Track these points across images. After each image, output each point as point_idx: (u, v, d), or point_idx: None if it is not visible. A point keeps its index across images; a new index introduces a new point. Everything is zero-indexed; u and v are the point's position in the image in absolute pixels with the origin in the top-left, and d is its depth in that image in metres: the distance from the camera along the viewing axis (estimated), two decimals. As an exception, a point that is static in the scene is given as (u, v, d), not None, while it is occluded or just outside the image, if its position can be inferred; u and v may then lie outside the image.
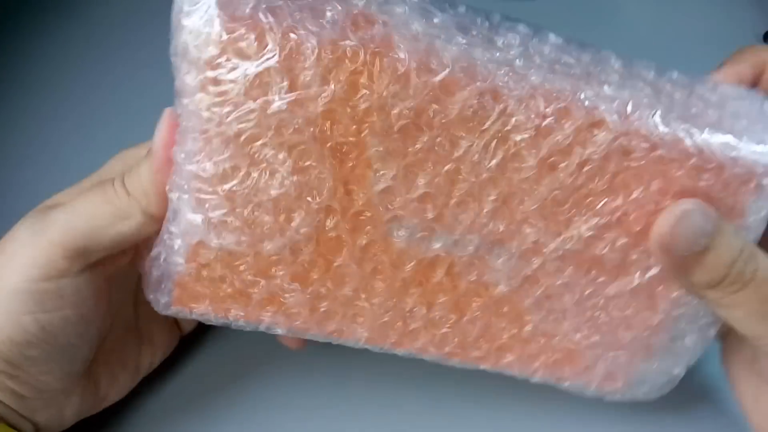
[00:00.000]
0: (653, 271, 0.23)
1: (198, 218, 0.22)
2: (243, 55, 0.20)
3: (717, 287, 0.21)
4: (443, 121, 0.21)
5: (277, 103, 0.20)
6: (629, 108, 0.21)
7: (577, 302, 0.24)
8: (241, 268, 0.23)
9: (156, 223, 0.23)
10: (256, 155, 0.21)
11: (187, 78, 0.20)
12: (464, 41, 0.21)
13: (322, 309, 0.24)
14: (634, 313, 0.24)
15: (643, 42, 0.43)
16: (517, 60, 0.21)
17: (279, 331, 0.24)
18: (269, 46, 0.19)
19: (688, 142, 0.21)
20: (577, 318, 0.24)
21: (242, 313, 0.24)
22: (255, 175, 0.21)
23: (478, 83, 0.20)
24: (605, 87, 0.22)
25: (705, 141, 0.21)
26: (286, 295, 0.23)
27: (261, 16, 0.19)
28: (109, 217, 0.22)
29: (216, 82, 0.20)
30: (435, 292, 0.24)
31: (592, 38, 0.43)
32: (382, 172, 0.21)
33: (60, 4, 0.44)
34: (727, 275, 0.21)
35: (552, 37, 0.23)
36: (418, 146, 0.21)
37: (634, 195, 0.22)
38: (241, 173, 0.21)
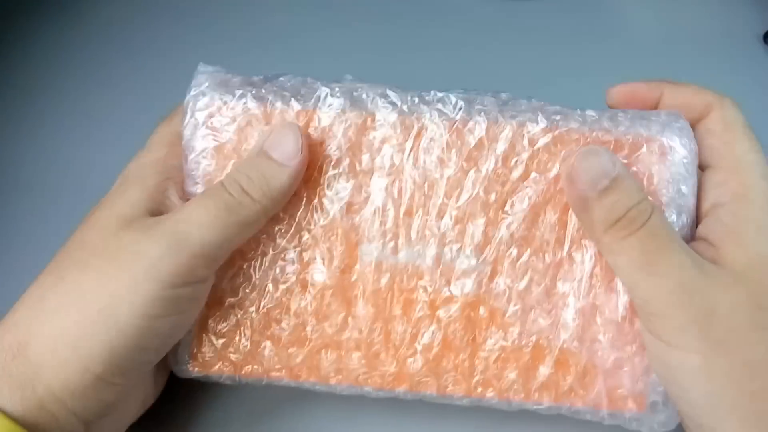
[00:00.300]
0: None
1: None
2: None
3: (610, 229, 0.22)
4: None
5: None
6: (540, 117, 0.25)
7: (546, 291, 0.25)
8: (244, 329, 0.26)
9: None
10: None
11: None
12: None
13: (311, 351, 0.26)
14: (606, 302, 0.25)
15: (642, 42, 0.43)
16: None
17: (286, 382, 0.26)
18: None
19: (586, 127, 0.25)
20: (552, 310, 0.25)
21: (257, 368, 0.26)
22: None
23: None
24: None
25: (607, 124, 0.25)
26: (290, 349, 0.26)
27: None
28: (237, 225, 0.23)
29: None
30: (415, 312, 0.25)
31: (591, 38, 0.43)
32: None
33: (59, 5, 0.44)
34: (621, 218, 0.22)
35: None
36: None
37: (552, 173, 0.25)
38: None
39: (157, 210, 0.24)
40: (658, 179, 0.24)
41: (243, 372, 0.26)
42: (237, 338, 0.26)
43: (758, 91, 0.40)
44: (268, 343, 0.26)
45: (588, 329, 0.25)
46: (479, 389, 0.25)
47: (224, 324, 0.26)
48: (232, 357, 0.26)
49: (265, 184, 0.23)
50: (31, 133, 0.38)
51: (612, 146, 0.25)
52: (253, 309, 0.26)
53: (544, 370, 0.25)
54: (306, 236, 0.25)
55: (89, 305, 0.22)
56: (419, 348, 0.25)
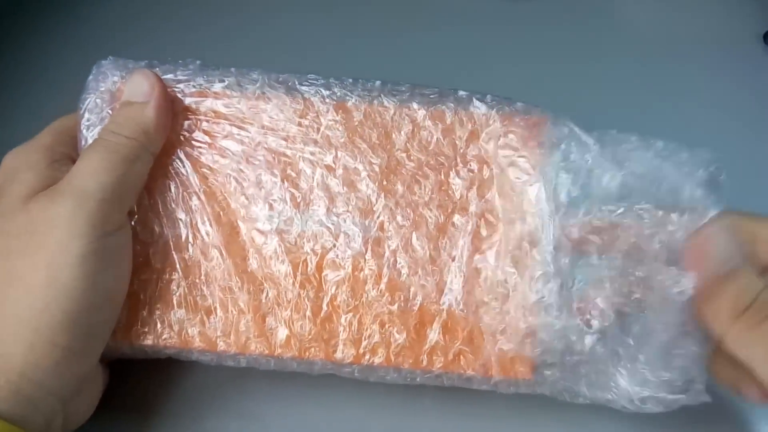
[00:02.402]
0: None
1: None
2: None
3: (740, 318, 0.21)
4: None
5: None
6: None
7: (430, 255, 0.26)
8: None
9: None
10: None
11: None
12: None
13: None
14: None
15: (642, 42, 0.43)
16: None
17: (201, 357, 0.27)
18: None
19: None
20: (437, 274, 0.26)
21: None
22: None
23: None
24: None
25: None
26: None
27: None
28: (123, 161, 0.24)
29: None
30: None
31: (591, 38, 0.43)
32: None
33: (60, 5, 0.44)
34: (750, 305, 0.21)
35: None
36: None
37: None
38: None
39: (55, 182, 0.25)
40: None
41: (138, 341, 0.26)
42: (135, 302, 0.26)
43: (758, 91, 0.40)
44: (160, 308, 0.26)
45: (472, 293, 0.25)
46: (368, 356, 0.26)
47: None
48: (133, 327, 0.26)
49: (133, 123, 0.25)
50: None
51: (484, 117, 0.26)
52: (152, 275, 0.26)
53: (431, 334, 0.26)
54: (195, 201, 0.26)
55: (31, 285, 0.22)
56: (307, 312, 0.26)
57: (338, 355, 0.26)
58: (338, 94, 0.27)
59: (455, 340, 0.25)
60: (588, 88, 0.39)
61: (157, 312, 0.26)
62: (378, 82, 0.27)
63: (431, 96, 0.27)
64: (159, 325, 0.26)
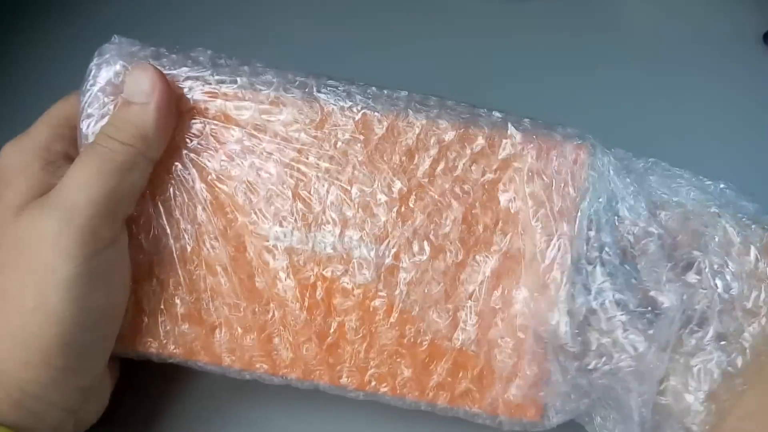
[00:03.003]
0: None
1: None
2: None
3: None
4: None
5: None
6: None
7: (446, 290, 0.25)
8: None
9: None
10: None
11: None
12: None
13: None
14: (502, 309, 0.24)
15: (642, 42, 0.43)
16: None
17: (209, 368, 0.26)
18: None
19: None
20: (451, 310, 0.25)
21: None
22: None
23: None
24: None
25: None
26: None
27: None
28: (116, 172, 0.23)
29: None
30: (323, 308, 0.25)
31: (591, 38, 0.43)
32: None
33: (60, 4, 0.44)
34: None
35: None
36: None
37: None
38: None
39: (48, 191, 0.23)
40: (564, 185, 0.24)
41: (142, 349, 0.26)
42: (140, 312, 0.25)
43: (758, 91, 0.40)
44: (165, 320, 0.25)
45: (486, 333, 0.24)
46: (373, 383, 0.25)
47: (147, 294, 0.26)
48: (138, 335, 0.26)
49: (131, 127, 0.23)
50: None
51: (519, 146, 0.24)
52: (156, 286, 0.25)
53: (439, 370, 0.25)
54: (201, 214, 0.25)
55: (21, 306, 0.22)
56: (313, 336, 0.25)
57: (343, 381, 0.25)
58: (359, 104, 0.25)
59: (464, 378, 0.25)
60: (588, 88, 0.39)
61: (162, 323, 0.25)
62: (404, 93, 0.25)
63: (462, 115, 0.25)
64: (163, 337, 0.26)
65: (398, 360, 0.25)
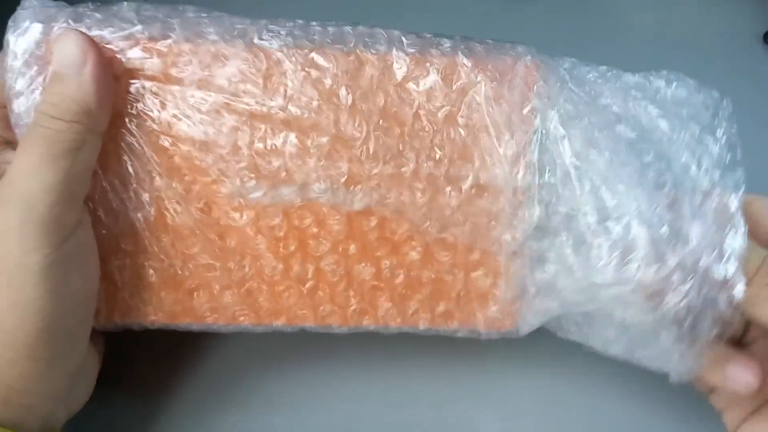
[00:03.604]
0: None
1: None
2: None
3: (752, 281, 0.23)
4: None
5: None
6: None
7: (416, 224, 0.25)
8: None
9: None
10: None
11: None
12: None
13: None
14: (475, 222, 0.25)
15: (642, 42, 0.43)
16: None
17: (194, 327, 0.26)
18: None
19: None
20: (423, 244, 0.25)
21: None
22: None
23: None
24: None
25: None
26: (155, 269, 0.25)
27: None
28: (66, 153, 0.21)
29: None
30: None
31: (591, 38, 0.43)
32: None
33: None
34: (760, 269, 0.23)
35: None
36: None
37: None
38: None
39: None
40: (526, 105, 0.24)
41: (122, 321, 0.26)
42: (113, 286, 0.25)
43: (758, 91, 0.40)
44: (140, 290, 0.25)
45: (460, 260, 0.25)
46: (355, 318, 0.26)
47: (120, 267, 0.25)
48: (115, 308, 0.25)
49: (71, 103, 0.22)
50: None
51: (472, 74, 0.24)
52: (125, 259, 0.25)
53: (418, 298, 0.26)
54: (157, 179, 0.24)
55: None
56: (292, 283, 0.25)
57: (327, 320, 0.26)
58: (305, 47, 0.23)
59: (441, 301, 0.26)
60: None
61: (138, 294, 0.25)
62: (349, 29, 0.24)
63: (413, 47, 0.24)
64: (141, 306, 0.25)
65: (377, 293, 0.26)
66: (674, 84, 0.26)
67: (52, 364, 0.22)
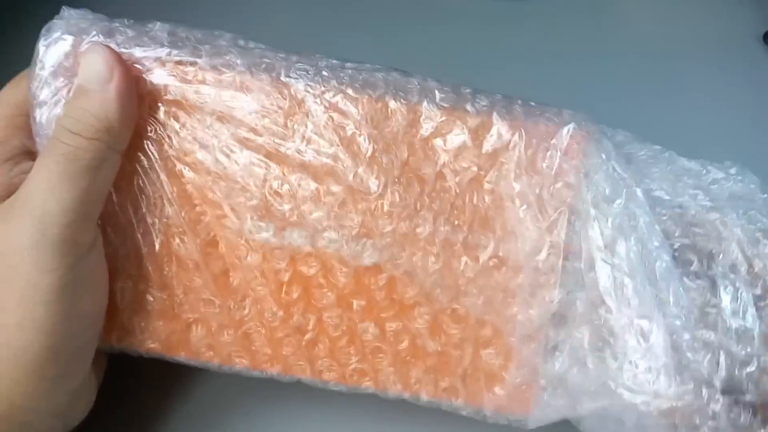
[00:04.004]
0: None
1: None
2: None
3: None
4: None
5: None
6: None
7: (426, 291, 0.23)
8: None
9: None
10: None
11: None
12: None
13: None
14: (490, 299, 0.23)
15: (642, 42, 0.43)
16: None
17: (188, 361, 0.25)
18: None
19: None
20: (432, 312, 0.24)
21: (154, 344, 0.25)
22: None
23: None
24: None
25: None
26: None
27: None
28: (86, 172, 0.21)
29: None
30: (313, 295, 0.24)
31: (591, 38, 0.43)
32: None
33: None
34: None
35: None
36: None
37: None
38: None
39: (12, 189, 0.22)
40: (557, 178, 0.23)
41: (119, 344, 0.25)
42: (113, 307, 0.24)
43: (758, 91, 0.40)
44: (139, 316, 0.24)
45: (470, 336, 0.24)
46: (355, 377, 0.24)
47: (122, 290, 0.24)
48: (114, 330, 0.25)
49: (92, 118, 0.21)
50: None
51: (507, 137, 0.23)
52: (127, 282, 0.24)
53: (421, 367, 0.24)
54: (167, 206, 0.23)
55: (4, 324, 0.21)
56: (291, 332, 0.24)
57: (324, 375, 0.24)
58: (332, 90, 0.23)
59: (447, 375, 0.24)
60: (587, 88, 0.39)
61: (137, 321, 0.24)
62: (381, 75, 0.23)
63: (446, 101, 0.23)
64: (139, 333, 0.25)
65: (380, 356, 0.24)
66: (735, 176, 0.24)
67: (56, 383, 0.22)
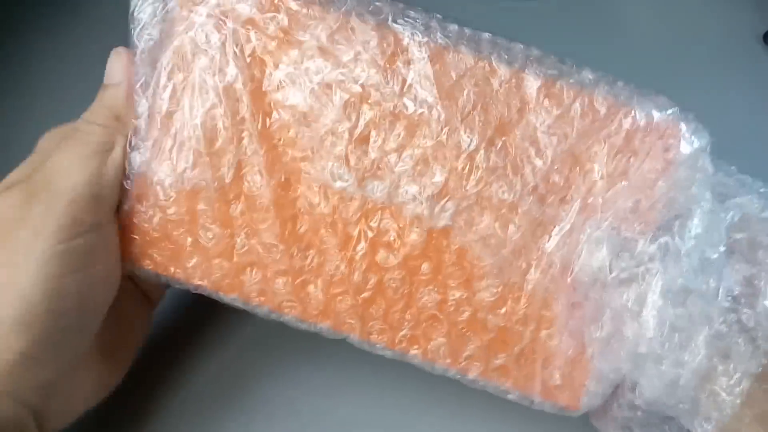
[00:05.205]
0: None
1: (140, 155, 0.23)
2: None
3: None
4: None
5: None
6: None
7: (499, 264, 0.23)
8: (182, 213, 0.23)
9: None
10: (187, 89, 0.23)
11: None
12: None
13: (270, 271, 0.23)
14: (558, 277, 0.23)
15: (642, 42, 0.43)
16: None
17: (227, 298, 0.24)
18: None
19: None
20: (500, 286, 0.23)
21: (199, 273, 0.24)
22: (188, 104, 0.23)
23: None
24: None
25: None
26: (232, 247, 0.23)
27: None
28: (95, 154, 0.23)
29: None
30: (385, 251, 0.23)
31: (591, 38, 0.43)
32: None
33: (62, 3, 0.44)
34: None
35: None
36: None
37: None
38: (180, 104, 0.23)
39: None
40: (666, 177, 0.22)
41: (167, 272, 0.24)
42: (163, 237, 0.24)
43: (758, 91, 0.40)
44: (193, 249, 0.24)
45: (536, 312, 0.23)
46: (404, 344, 0.24)
47: (149, 219, 0.24)
48: (157, 256, 0.24)
49: (104, 109, 0.24)
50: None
51: (608, 116, 0.22)
52: (179, 209, 0.23)
53: (477, 342, 0.23)
54: (247, 142, 0.23)
55: None
56: (350, 288, 0.23)
57: (373, 336, 0.24)
58: (438, 41, 0.22)
59: (502, 353, 0.23)
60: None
61: (190, 252, 0.24)
62: (487, 35, 0.22)
63: (549, 70, 0.22)
64: (191, 267, 0.24)
65: (435, 325, 0.23)
66: None
67: (25, 361, 0.21)
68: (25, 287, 0.21)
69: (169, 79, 0.23)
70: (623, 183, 0.22)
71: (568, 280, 0.22)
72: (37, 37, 0.42)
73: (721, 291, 0.21)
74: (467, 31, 0.22)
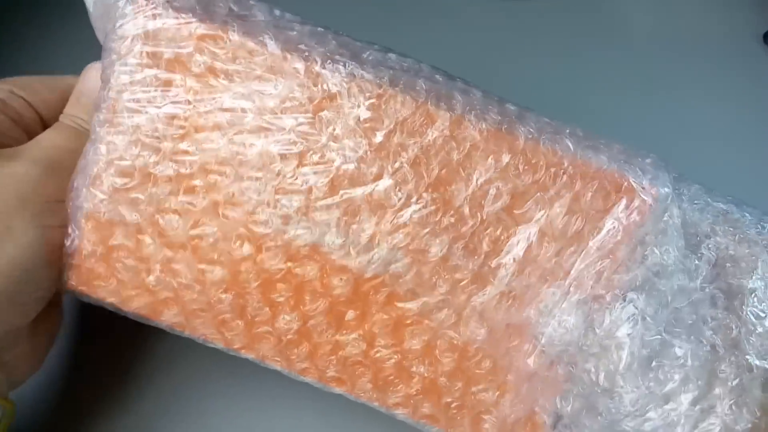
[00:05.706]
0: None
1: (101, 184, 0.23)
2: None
3: None
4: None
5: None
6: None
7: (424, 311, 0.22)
8: (141, 253, 0.23)
9: None
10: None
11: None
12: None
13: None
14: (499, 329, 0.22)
15: (643, 42, 0.43)
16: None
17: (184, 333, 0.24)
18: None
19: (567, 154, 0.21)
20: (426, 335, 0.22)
21: (143, 307, 0.23)
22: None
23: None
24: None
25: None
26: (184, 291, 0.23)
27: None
28: (78, 136, 0.25)
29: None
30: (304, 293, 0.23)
31: (591, 38, 0.43)
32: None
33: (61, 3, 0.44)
34: None
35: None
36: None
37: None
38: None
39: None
40: (639, 238, 0.21)
41: (100, 297, 0.23)
42: (95, 262, 0.23)
43: (758, 91, 0.40)
44: (114, 278, 0.23)
45: (467, 365, 0.22)
46: (333, 383, 0.23)
47: (91, 243, 0.23)
48: (96, 281, 0.23)
49: (89, 108, 0.25)
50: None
51: (554, 173, 0.21)
52: (95, 237, 0.23)
53: (403, 390, 0.23)
54: (164, 182, 0.22)
55: None
56: (273, 330, 0.23)
57: (301, 372, 0.23)
58: (370, 90, 0.21)
59: (428, 404, 0.23)
60: (586, 88, 0.39)
61: (112, 280, 0.23)
62: (423, 80, 0.21)
63: (495, 114, 0.21)
64: (110, 293, 0.23)
65: (360, 371, 0.23)
66: None
67: (1, 304, 0.22)
68: (20, 232, 0.22)
69: (101, 106, 0.23)
70: (571, 248, 0.21)
71: (515, 342, 0.22)
72: (33, 37, 0.42)
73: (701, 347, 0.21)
74: (404, 75, 0.21)
